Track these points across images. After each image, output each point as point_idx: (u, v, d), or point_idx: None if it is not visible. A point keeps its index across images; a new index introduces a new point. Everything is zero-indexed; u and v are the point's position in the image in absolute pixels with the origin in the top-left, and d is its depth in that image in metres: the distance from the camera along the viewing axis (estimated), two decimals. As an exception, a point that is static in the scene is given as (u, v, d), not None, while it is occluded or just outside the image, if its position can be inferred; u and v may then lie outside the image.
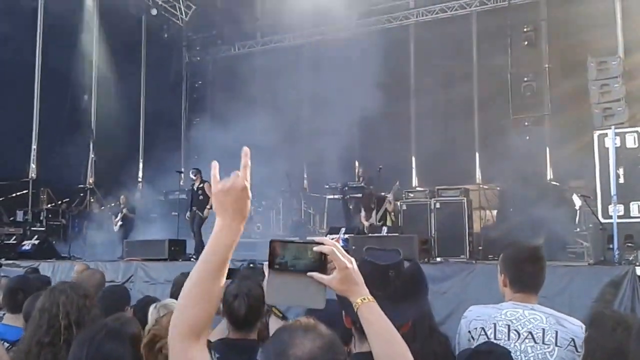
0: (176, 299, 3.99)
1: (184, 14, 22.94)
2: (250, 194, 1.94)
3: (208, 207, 13.87)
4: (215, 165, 1.97)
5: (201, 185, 14.24)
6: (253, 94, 19.69)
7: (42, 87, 17.80)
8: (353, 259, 1.97)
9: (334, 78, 17.28)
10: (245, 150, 1.97)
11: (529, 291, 3.26)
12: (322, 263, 1.90)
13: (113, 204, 17.77)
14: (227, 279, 3.76)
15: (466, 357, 2.71)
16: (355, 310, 1.97)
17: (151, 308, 3.83)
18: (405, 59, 19.01)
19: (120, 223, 16.62)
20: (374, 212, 13.21)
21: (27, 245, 13.84)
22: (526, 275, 3.29)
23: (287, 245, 1.91)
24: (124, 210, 16.78)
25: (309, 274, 1.88)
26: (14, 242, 14.47)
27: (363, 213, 13.58)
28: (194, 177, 14.50)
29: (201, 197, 14.29)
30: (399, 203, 13.48)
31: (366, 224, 13.12)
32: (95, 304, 3.54)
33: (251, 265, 3.96)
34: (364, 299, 1.96)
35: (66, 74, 18.29)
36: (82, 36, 19.29)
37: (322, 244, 1.91)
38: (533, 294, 3.27)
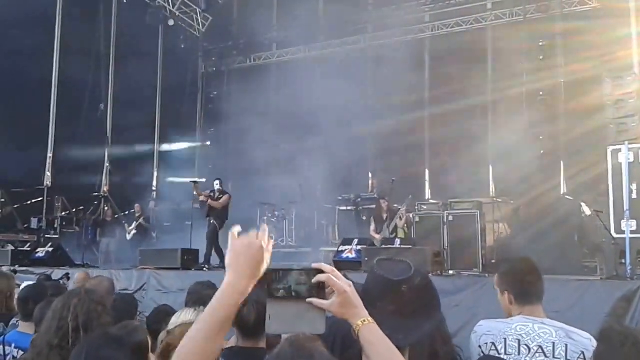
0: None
1: (200, 25, 23.11)
2: (266, 259, 1.96)
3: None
4: (235, 231, 1.99)
5: (221, 196, 14.16)
6: (268, 104, 19.80)
7: (58, 96, 17.96)
8: (351, 283, 1.97)
9: (349, 90, 17.32)
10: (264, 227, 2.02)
11: (536, 302, 3.28)
12: (320, 288, 1.91)
13: (128, 213, 17.86)
14: None
15: None
16: (357, 332, 1.96)
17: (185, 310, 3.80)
18: (420, 72, 18.98)
19: (134, 232, 16.69)
20: (385, 225, 13.13)
21: (41, 252, 13.92)
22: (530, 287, 3.31)
23: (285, 272, 1.91)
24: (140, 220, 16.86)
25: (308, 300, 1.89)
26: (28, 249, 14.56)
27: (373, 226, 13.49)
28: (220, 188, 14.35)
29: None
30: (411, 215, 13.48)
31: (377, 237, 12.99)
32: (109, 312, 3.51)
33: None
34: (364, 320, 1.96)
35: (82, 83, 18.47)
36: (98, 46, 19.46)
37: (320, 269, 1.91)
38: (539, 304, 3.28)
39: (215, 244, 13.63)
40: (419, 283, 2.23)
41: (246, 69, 22.99)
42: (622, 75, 10.49)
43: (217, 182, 14.48)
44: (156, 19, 21.17)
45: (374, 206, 16.23)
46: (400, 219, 13.00)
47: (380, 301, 2.14)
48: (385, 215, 13.29)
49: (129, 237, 16.77)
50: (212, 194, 14.16)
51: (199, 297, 4.51)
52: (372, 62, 18.53)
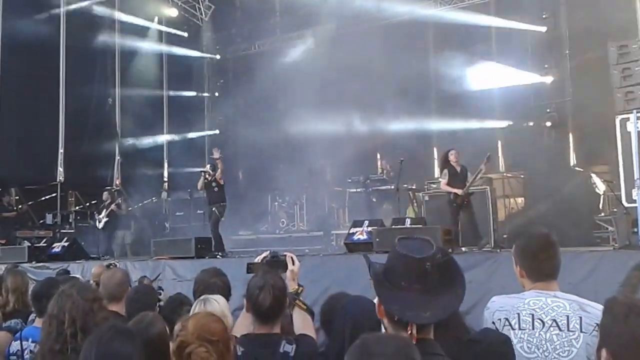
0: (199, 296, 4.15)
1: (203, 13, 23.07)
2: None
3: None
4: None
5: (213, 178, 13.83)
6: (274, 90, 19.77)
7: (67, 92, 18.00)
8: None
9: (354, 72, 17.28)
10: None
11: (549, 279, 3.20)
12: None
13: (95, 202, 17.70)
14: (247, 272, 3.86)
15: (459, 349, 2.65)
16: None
17: (196, 302, 4.04)
18: (424, 52, 18.82)
19: (106, 220, 16.25)
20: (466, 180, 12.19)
21: (57, 247, 14.00)
22: (542, 264, 3.19)
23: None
24: (112, 206, 16.43)
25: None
26: (44, 244, 14.67)
27: (446, 179, 12.28)
28: (211, 172, 13.91)
29: (216, 189, 13.88)
30: (421, 194, 13.37)
31: (460, 192, 11.91)
32: (104, 307, 3.47)
33: (274, 257, 4.00)
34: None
35: (90, 78, 18.52)
36: (104, 39, 19.48)
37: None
38: (553, 280, 3.22)
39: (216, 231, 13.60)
40: (441, 259, 2.27)
41: (251, 55, 22.92)
42: (627, 43, 10.42)
43: (210, 165, 14.20)
44: (159, 9, 21.21)
45: (383, 187, 16.23)
46: (481, 170, 12.10)
47: (404, 280, 2.20)
48: (459, 169, 12.37)
49: (99, 225, 16.22)
50: (206, 180, 13.85)
51: (206, 285, 4.57)
52: (376, 43, 18.39)
